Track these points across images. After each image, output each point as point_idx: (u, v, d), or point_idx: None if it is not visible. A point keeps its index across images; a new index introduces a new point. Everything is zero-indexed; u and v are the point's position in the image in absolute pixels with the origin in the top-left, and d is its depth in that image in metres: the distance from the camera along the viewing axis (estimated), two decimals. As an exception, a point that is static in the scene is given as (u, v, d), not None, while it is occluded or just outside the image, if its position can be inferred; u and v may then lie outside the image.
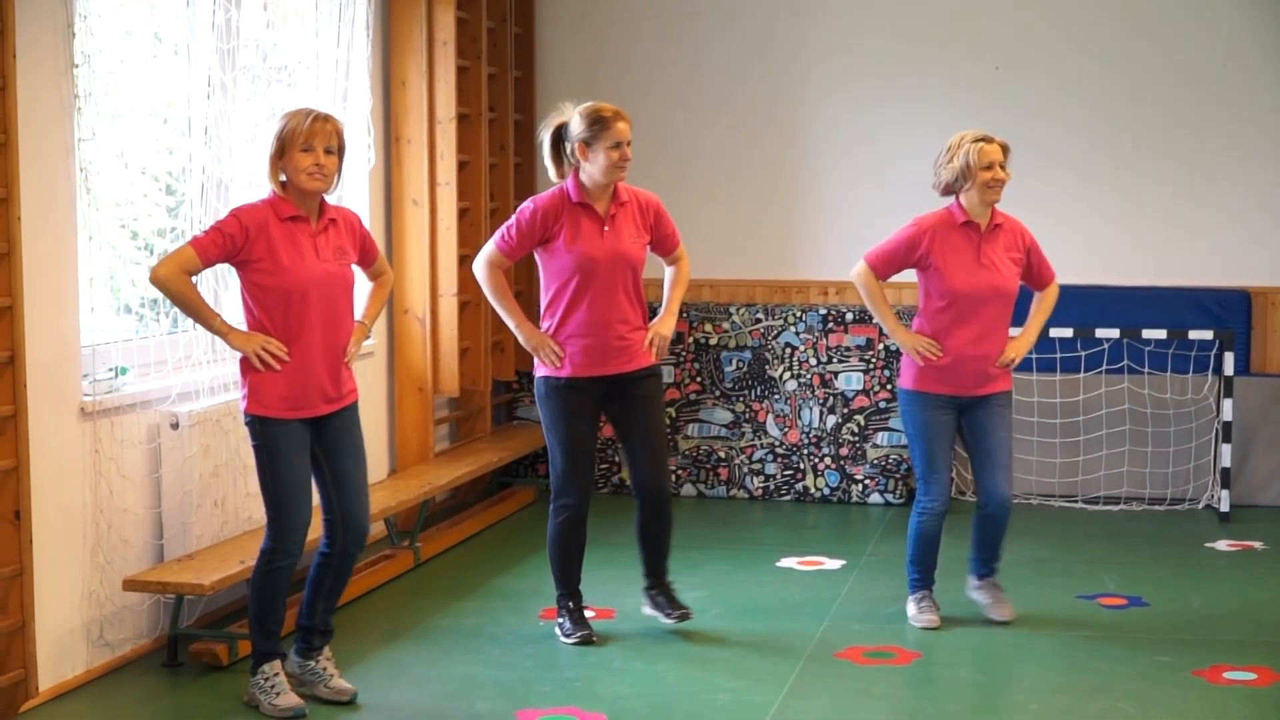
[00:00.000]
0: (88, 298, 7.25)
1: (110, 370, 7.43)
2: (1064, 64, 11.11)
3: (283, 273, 6.61)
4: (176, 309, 6.81)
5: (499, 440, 10.80)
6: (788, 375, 11.00)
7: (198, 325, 6.85)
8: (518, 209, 7.65)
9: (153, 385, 7.68)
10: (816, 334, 10.94)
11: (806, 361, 10.97)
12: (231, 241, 6.57)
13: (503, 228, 7.64)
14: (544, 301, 7.65)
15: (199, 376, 7.94)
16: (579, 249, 7.50)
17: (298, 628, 7.04)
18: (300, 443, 6.73)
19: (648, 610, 7.98)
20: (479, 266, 7.69)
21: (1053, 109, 11.00)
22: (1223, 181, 11.01)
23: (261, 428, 6.68)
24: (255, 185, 8.41)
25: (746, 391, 11.04)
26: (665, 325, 7.77)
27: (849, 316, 10.90)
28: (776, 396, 11.02)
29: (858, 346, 10.89)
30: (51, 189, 6.98)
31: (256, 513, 8.19)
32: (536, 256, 7.67)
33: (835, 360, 10.93)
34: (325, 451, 6.84)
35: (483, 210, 10.56)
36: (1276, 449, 10.74)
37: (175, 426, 7.66)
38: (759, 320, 11.00)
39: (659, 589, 7.96)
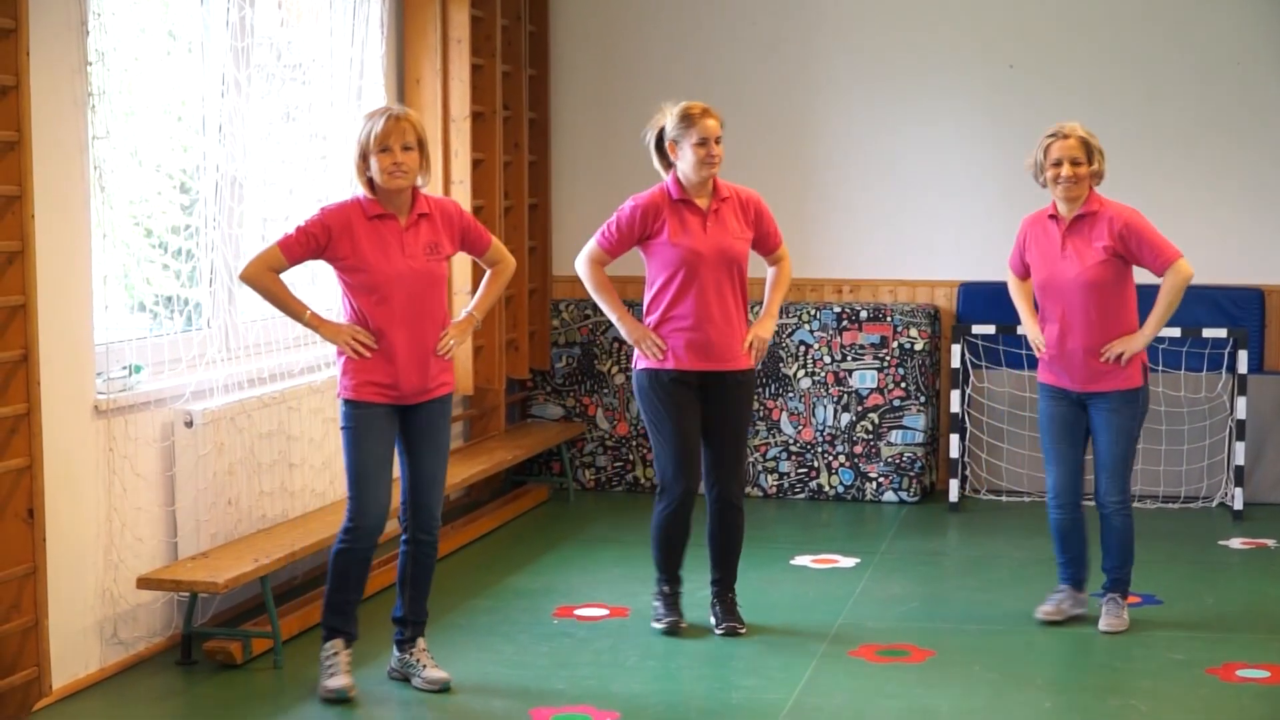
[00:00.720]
0: (101, 296, 7.26)
1: (124, 368, 7.44)
2: (1078, 63, 11.09)
3: (368, 270, 6.80)
4: (268, 303, 6.96)
5: (513, 438, 10.80)
6: (802, 373, 10.99)
7: (288, 318, 7.03)
8: (619, 207, 7.73)
9: (167, 383, 7.68)
10: (831, 332, 10.94)
11: (821, 359, 10.96)
12: (315, 240, 6.79)
13: (604, 225, 7.75)
14: (648, 296, 7.73)
15: (213, 374, 7.95)
16: (684, 243, 7.59)
17: (393, 622, 7.22)
18: (384, 428, 6.90)
19: (709, 618, 8.00)
20: (581, 263, 7.80)
21: (1066, 108, 10.92)
22: (1236, 179, 10.99)
23: (348, 409, 6.88)
24: (269, 183, 8.45)
25: (760, 389, 11.03)
26: (764, 328, 7.81)
27: (863, 314, 10.89)
28: (791, 394, 11.01)
29: (872, 344, 10.88)
30: (65, 187, 6.98)
31: (271, 511, 8.20)
32: (641, 253, 7.74)
33: (849, 358, 10.92)
34: (407, 440, 7.00)
35: (497, 208, 10.55)
36: (1290, 447, 10.76)
37: (189, 424, 7.67)
38: (773, 318, 10.98)
39: (719, 598, 7.97)
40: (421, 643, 7.19)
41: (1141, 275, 7.86)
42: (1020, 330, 10.02)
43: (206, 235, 7.99)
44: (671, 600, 7.91)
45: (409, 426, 6.98)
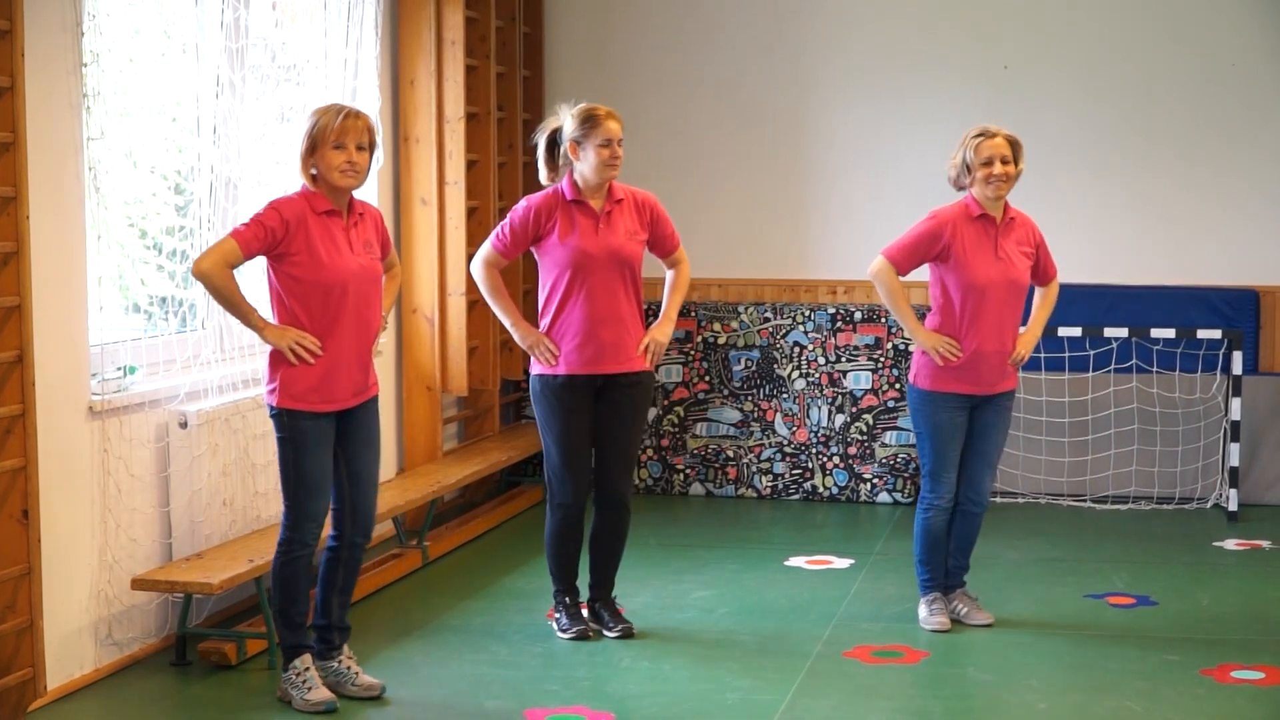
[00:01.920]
0: (96, 297, 7.26)
1: (119, 369, 7.44)
2: (1073, 63, 11.10)
3: (321, 267, 6.68)
4: (216, 301, 6.76)
5: (507, 439, 10.80)
6: (796, 374, 11.00)
7: (232, 318, 6.80)
8: (512, 208, 7.69)
9: (161, 384, 7.68)
10: (825, 333, 10.94)
11: (815, 360, 10.97)
12: (272, 234, 6.63)
13: (498, 227, 7.70)
14: (541, 299, 7.69)
15: (207, 375, 7.95)
16: (573, 244, 7.54)
17: (315, 629, 7.05)
18: (325, 436, 6.80)
19: (594, 622, 7.94)
20: (476, 266, 7.75)
21: (1061, 108, 10.99)
22: (1231, 180, 11.00)
23: (289, 420, 6.73)
24: (264, 184, 8.45)
25: (755, 391, 11.04)
26: (662, 331, 7.75)
27: (857, 315, 10.90)
28: (785, 395, 11.02)
29: (866, 345, 10.89)
30: (60, 188, 6.99)
31: (265, 512, 8.20)
32: (535, 254, 7.70)
33: (844, 359, 10.93)
34: (344, 442, 6.90)
35: (491, 209, 10.56)
36: (1285, 448, 10.77)
37: (184, 425, 7.66)
38: (767, 319, 10.99)
39: (602, 600, 7.94)
40: (347, 649, 7.09)
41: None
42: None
43: (201, 236, 7.99)
44: (574, 611, 7.88)
45: (345, 429, 6.88)
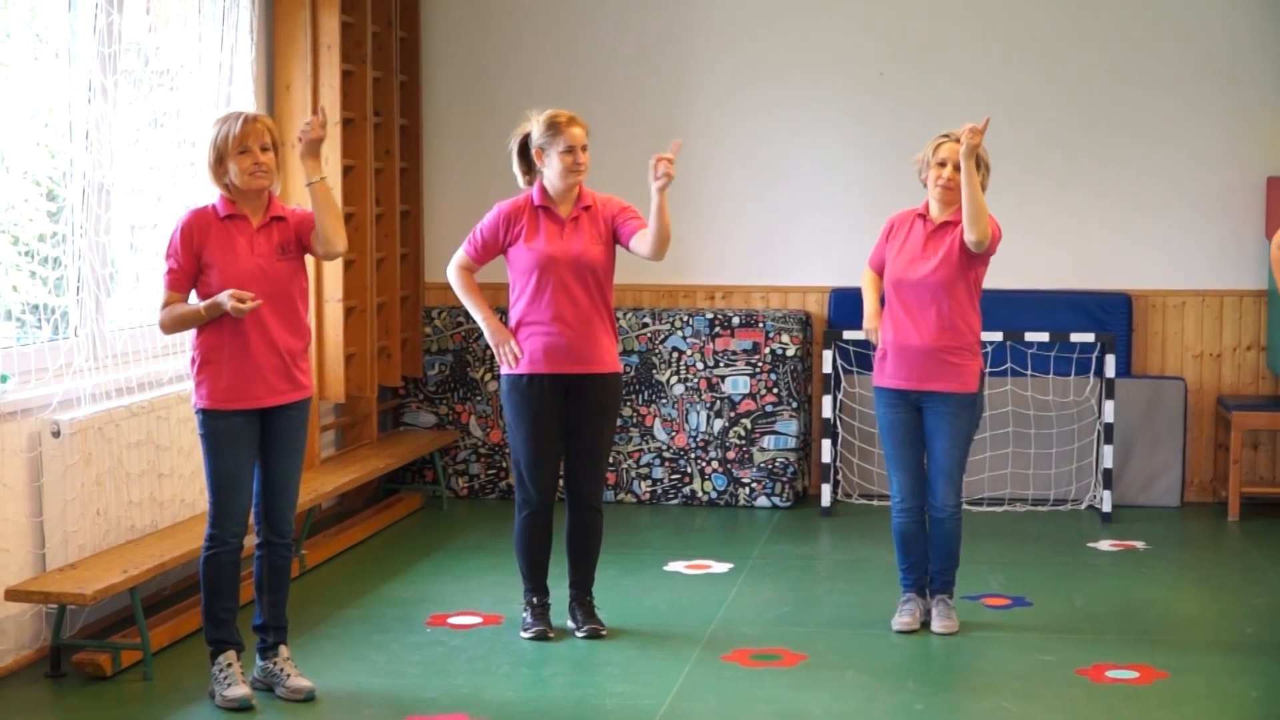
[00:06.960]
0: (-34, 304, 7.18)
1: (-10, 377, 7.35)
2: (948, 69, 11.18)
3: (214, 270, 6.79)
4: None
5: (385, 446, 10.75)
6: (675, 379, 11.01)
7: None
8: (486, 214, 7.82)
9: (33, 393, 7.59)
10: (703, 338, 10.96)
11: (693, 366, 10.98)
12: (183, 264, 6.81)
13: (471, 232, 7.83)
14: (510, 302, 7.79)
15: (80, 384, 7.86)
16: (539, 248, 7.67)
17: (254, 630, 7.16)
18: (241, 435, 6.87)
19: (568, 621, 8.00)
20: (450, 271, 7.90)
21: (935, 114, 11.01)
22: (1104, 186, 11.12)
23: (205, 419, 6.85)
24: (137, 190, 8.38)
25: (633, 396, 11.04)
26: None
27: (735, 321, 10.93)
28: (663, 400, 11.03)
29: (744, 350, 10.92)
30: (-71, 194, 6.90)
31: (140, 521, 8.13)
32: (505, 259, 7.82)
33: (722, 364, 10.95)
34: (264, 445, 6.97)
35: (368, 215, 10.50)
36: (1157, 450, 10.87)
37: (56, 434, 7.58)
38: (646, 324, 11.00)
39: (577, 601, 8.01)
40: (284, 650, 7.15)
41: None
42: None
43: (74, 243, 7.91)
44: (539, 610, 7.95)
45: (265, 430, 6.95)
